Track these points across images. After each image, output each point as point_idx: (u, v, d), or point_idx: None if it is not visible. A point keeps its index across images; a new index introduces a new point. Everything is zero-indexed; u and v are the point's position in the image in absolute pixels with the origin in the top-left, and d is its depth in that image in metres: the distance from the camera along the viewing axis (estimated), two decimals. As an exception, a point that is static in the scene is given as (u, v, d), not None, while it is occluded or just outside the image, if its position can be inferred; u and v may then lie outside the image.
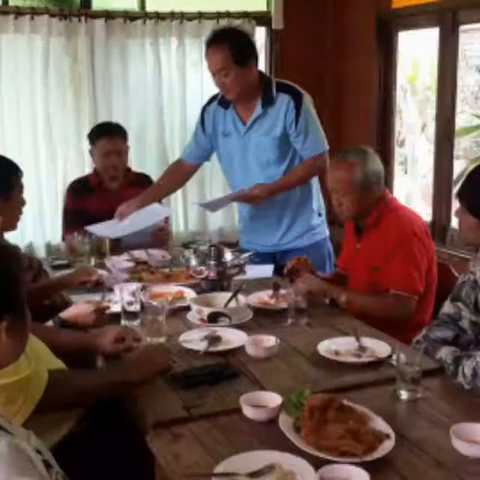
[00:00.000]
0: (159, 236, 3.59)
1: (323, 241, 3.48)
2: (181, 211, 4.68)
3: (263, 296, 2.74)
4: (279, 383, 2.00)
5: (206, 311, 2.50)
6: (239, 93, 3.23)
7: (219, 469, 1.54)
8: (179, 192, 4.36)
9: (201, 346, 2.23)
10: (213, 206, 3.68)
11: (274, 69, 4.77)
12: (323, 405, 1.69)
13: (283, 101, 3.23)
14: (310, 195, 3.42)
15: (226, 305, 2.58)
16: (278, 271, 3.10)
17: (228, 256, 2.85)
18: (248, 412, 1.80)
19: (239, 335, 2.31)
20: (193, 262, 2.85)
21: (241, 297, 2.63)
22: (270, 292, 2.74)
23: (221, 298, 2.64)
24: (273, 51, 4.81)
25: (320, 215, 3.48)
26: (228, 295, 2.64)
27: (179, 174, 3.67)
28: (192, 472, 1.57)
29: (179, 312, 2.59)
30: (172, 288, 2.82)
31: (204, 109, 3.47)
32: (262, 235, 3.43)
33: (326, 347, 2.22)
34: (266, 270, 3.14)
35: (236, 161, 3.40)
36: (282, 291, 2.68)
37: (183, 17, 4.45)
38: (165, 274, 3.04)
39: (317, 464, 1.52)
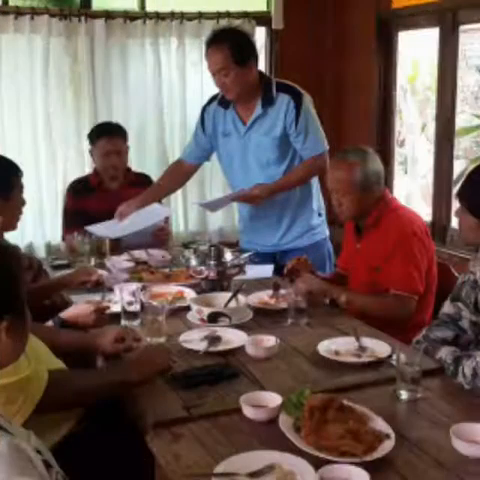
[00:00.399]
0: (159, 236, 3.59)
1: (323, 241, 3.48)
2: (181, 211, 4.68)
3: (263, 296, 2.74)
4: (279, 383, 1.99)
5: (206, 311, 2.50)
6: (239, 93, 3.23)
7: (219, 469, 1.54)
8: (179, 192, 4.36)
9: (201, 346, 2.23)
10: (213, 206, 3.68)
11: (274, 69, 4.77)
12: (323, 405, 1.69)
13: (283, 101, 3.23)
14: (310, 195, 3.42)
15: (226, 305, 2.58)
16: (278, 271, 3.10)
17: (228, 256, 2.84)
18: (248, 412, 1.80)
19: (239, 335, 2.31)
20: (193, 262, 2.85)
21: (241, 297, 2.63)
22: (270, 292, 2.74)
23: (221, 298, 2.64)
24: (273, 51, 4.81)
25: (320, 215, 3.48)
26: (228, 295, 2.64)
27: (179, 174, 3.66)
28: (192, 472, 1.57)
29: (179, 312, 2.59)
30: (172, 288, 2.82)
31: (204, 109, 3.47)
32: (262, 235, 3.43)
33: (326, 347, 2.22)
34: (266, 270, 3.14)
35: (236, 161, 3.39)
36: (282, 291, 2.68)
37: (183, 17, 4.45)
38: (165, 274, 3.04)
39: (317, 464, 1.52)
